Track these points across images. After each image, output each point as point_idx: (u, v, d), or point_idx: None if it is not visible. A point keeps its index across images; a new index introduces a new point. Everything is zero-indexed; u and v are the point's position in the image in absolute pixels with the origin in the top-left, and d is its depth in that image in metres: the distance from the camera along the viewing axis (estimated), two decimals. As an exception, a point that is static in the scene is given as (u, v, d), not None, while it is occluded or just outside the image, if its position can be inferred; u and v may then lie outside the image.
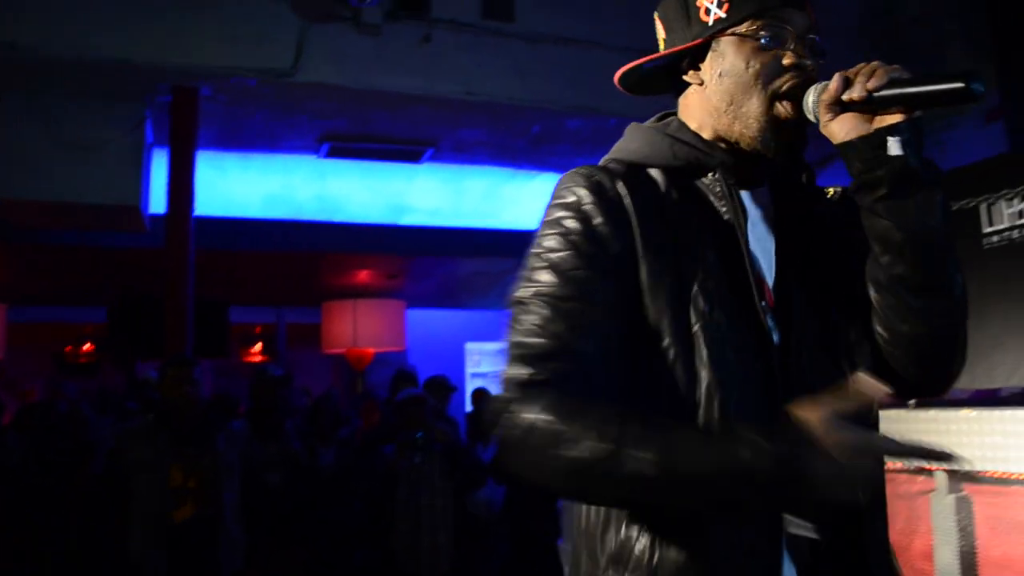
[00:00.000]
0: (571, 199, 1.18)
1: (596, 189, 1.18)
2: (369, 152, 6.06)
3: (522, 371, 1.07)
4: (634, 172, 1.24)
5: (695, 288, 1.14)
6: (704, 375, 1.12)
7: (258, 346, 14.79)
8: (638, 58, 1.31)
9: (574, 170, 1.22)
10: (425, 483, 4.11)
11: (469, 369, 12.18)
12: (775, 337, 1.18)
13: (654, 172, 1.25)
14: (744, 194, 1.26)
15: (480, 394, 7.83)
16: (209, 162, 5.88)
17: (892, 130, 1.13)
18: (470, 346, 12.28)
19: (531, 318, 1.10)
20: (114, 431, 5.18)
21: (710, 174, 1.25)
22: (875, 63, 1.15)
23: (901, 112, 1.13)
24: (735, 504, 1.01)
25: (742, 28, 1.24)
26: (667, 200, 1.22)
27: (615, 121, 5.77)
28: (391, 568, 4.09)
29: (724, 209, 1.22)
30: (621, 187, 1.19)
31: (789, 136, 1.22)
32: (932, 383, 1.30)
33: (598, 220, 1.16)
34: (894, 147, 1.12)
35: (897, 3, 6.67)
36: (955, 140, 6.19)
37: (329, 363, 15.72)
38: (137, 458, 3.41)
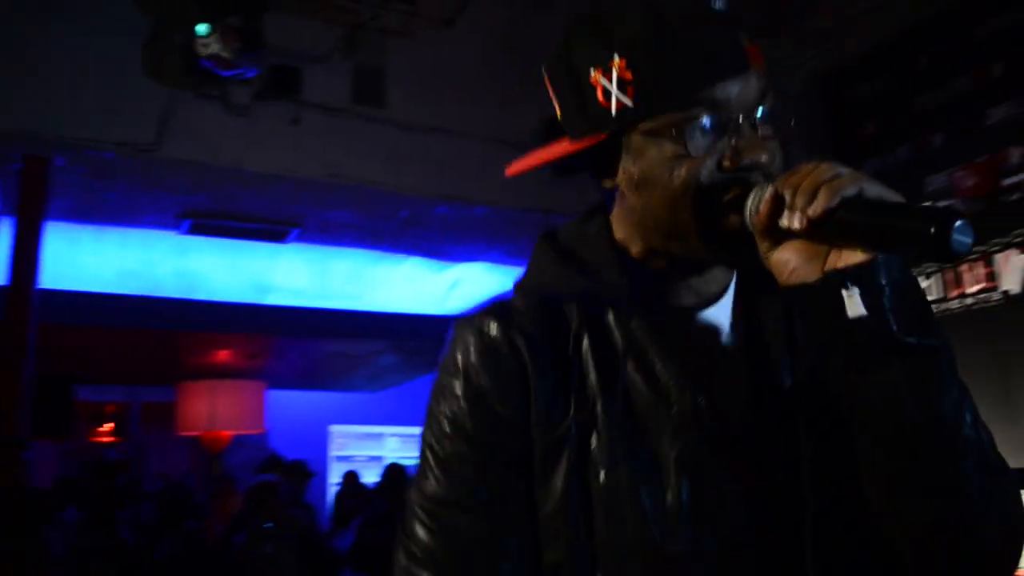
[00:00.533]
0: (459, 360, 0.98)
1: (485, 346, 0.97)
2: (232, 230, 5.95)
3: None
4: (543, 308, 1.00)
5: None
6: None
7: (108, 426, 13.98)
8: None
9: (467, 319, 1.01)
10: (276, 574, 3.96)
11: (332, 452, 11.89)
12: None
13: (568, 303, 1.00)
14: (707, 313, 1.00)
15: (351, 477, 7.64)
16: (61, 234, 5.64)
17: (850, 276, 0.78)
18: (334, 428, 12.01)
19: (418, 533, 0.93)
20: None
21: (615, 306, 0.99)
22: (823, 169, 0.81)
23: (862, 250, 0.78)
24: None
25: (657, 123, 0.93)
26: (577, 342, 0.98)
27: (483, 210, 5.91)
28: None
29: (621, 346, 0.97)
30: (517, 337, 0.96)
31: (749, 249, 0.88)
32: None
33: (487, 386, 0.95)
34: (853, 304, 0.77)
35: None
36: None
37: (186, 445, 15.01)
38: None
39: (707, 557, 0.87)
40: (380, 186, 5.40)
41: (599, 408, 0.92)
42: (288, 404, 10.81)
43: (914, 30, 4.41)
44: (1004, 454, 0.90)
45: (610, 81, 0.92)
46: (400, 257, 7.17)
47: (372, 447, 12.16)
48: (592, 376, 0.94)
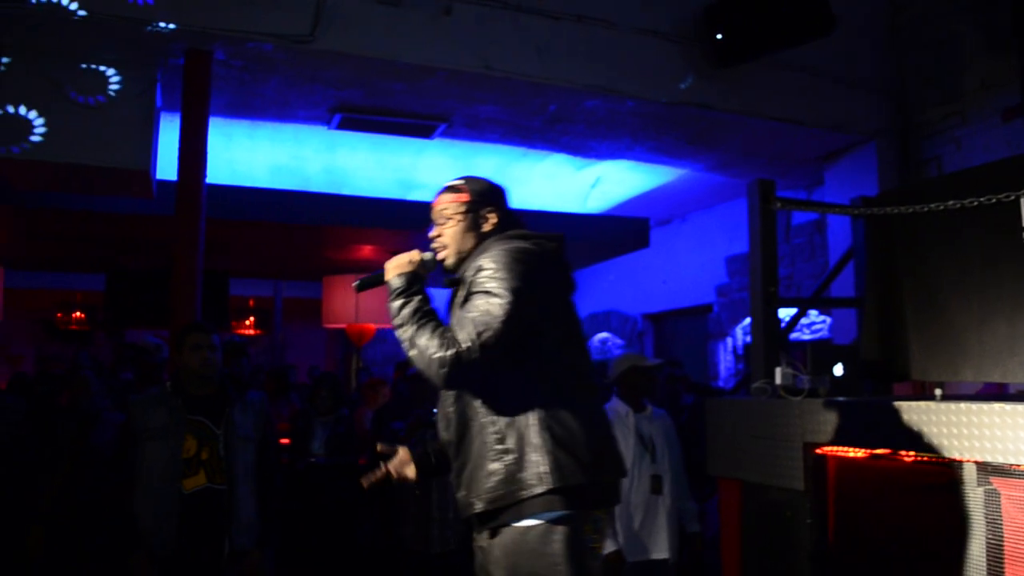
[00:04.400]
0: None
1: None
2: (381, 125, 5.97)
3: None
4: None
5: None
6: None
7: (251, 320, 14.72)
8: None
9: None
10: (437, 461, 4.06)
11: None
12: None
13: None
14: None
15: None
16: (216, 130, 5.79)
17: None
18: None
19: None
20: (119, 398, 5.13)
21: None
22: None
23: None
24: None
25: None
26: None
27: (632, 103, 5.72)
28: (399, 543, 4.05)
29: None
30: None
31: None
32: None
33: None
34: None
35: (904, 2, 6.61)
36: (970, 137, 6.16)
37: (323, 339, 15.67)
38: (151, 425, 3.34)
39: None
40: (529, 78, 5.27)
41: None
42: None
43: None
44: None
45: None
46: (543, 154, 7.06)
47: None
48: None
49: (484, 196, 2.39)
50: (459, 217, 2.34)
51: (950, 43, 6.24)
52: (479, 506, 2.14)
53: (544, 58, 5.28)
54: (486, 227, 2.35)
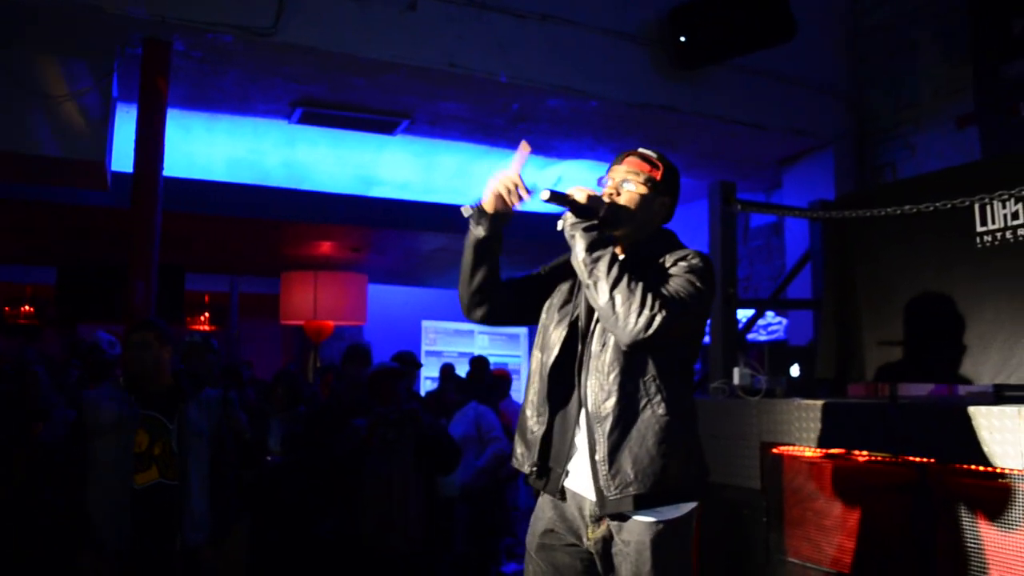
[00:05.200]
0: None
1: None
2: (343, 120, 5.92)
3: None
4: None
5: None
6: None
7: (206, 315, 14.48)
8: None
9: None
10: (397, 459, 4.04)
11: (424, 347, 12.10)
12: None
13: None
14: None
15: (447, 370, 7.76)
16: (174, 122, 5.69)
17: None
18: (426, 324, 12.19)
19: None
20: (70, 395, 5.02)
21: None
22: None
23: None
24: None
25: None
26: None
27: (595, 103, 5.75)
28: (359, 542, 4.02)
29: None
30: None
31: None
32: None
33: None
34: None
35: (864, 9, 6.74)
36: (925, 144, 6.29)
37: (278, 335, 15.48)
38: (103, 420, 3.28)
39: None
40: (493, 76, 5.27)
41: None
42: (384, 298, 10.99)
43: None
44: None
45: None
46: (506, 152, 7.05)
47: (462, 343, 12.34)
48: None
49: (673, 183, 2.30)
50: (645, 189, 2.23)
51: (907, 51, 6.37)
52: (634, 489, 2.05)
53: (509, 56, 5.27)
54: (660, 214, 2.29)
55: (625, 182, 2.22)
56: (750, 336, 6.15)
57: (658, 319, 1.96)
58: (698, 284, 2.09)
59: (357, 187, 7.43)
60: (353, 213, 7.29)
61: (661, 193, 2.25)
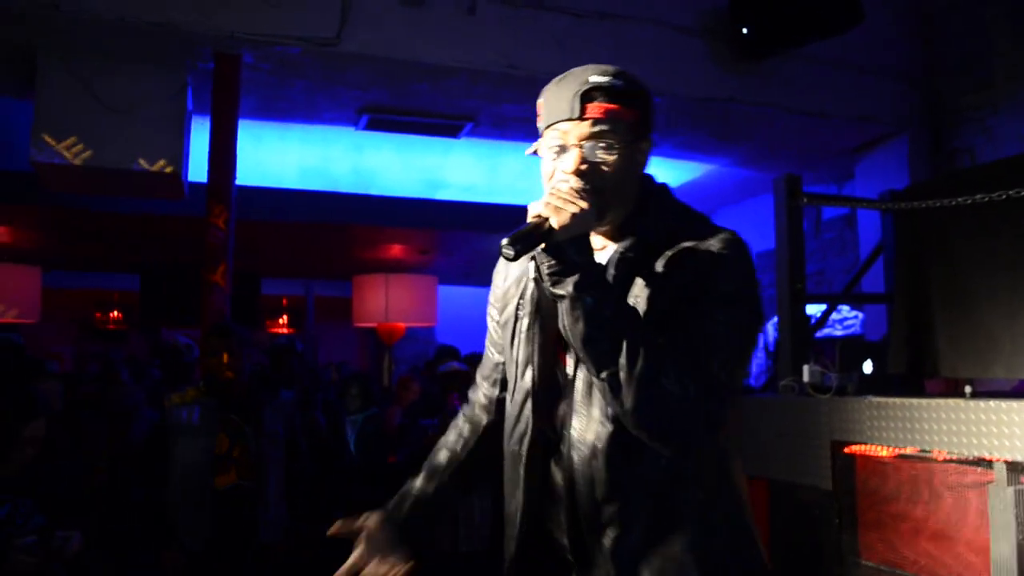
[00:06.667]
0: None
1: None
2: (408, 125, 6.00)
3: None
4: None
5: None
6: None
7: (284, 318, 14.86)
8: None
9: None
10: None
11: (494, 347, 12.13)
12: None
13: None
14: None
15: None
16: (246, 132, 5.86)
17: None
18: (496, 324, 12.21)
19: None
20: (154, 396, 5.21)
21: None
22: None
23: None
24: None
25: (543, 137, 1.52)
26: None
27: (658, 99, 5.67)
28: (433, 544, 4.08)
29: None
30: None
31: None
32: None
33: None
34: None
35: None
36: (1002, 127, 6.06)
37: (355, 337, 15.78)
38: (185, 422, 3.40)
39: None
40: (553, 76, 5.26)
41: None
42: (453, 299, 11.09)
43: None
44: None
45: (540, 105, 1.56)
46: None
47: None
48: None
49: (649, 110, 1.54)
50: (624, 147, 1.46)
51: (980, 31, 6.14)
52: None
53: (567, 56, 5.27)
54: (642, 163, 1.55)
55: (596, 148, 1.43)
56: (825, 331, 6.02)
57: (711, 426, 1.38)
58: (748, 315, 1.42)
59: (424, 190, 7.53)
60: (420, 216, 7.40)
61: (641, 137, 1.51)
